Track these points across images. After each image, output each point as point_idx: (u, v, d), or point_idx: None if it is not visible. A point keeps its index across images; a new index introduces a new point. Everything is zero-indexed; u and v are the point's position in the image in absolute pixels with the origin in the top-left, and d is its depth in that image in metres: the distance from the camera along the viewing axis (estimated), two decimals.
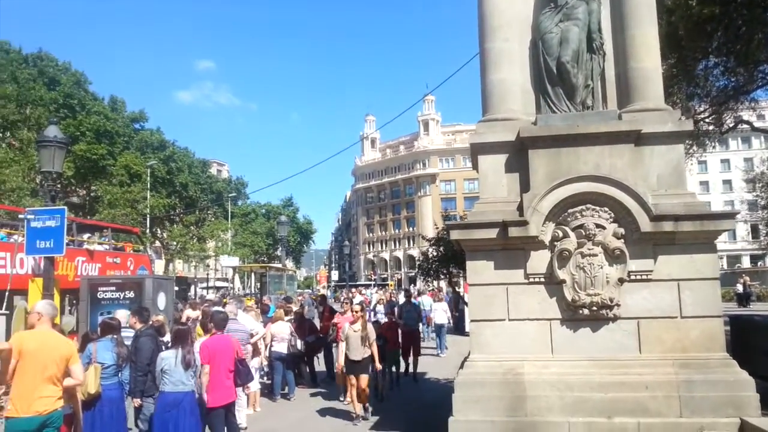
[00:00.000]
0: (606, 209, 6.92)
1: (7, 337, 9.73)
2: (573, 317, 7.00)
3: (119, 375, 6.90)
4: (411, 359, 13.77)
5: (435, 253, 11.51)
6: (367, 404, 9.82)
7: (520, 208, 7.13)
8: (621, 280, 6.89)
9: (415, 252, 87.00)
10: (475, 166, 8.04)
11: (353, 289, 31.66)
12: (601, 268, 6.89)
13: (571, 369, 6.85)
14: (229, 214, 59.71)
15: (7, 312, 12.31)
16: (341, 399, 11.10)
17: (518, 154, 7.42)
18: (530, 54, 7.76)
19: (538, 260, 7.11)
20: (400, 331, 13.00)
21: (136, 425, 7.36)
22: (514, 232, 6.97)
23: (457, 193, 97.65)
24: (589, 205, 6.93)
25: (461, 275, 13.62)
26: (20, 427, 5.05)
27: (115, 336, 7.01)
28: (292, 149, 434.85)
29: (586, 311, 6.90)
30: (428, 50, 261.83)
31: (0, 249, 14.29)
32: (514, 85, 7.67)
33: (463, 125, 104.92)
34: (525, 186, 7.30)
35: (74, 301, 15.11)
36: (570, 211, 6.98)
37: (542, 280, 7.10)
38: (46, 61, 41.63)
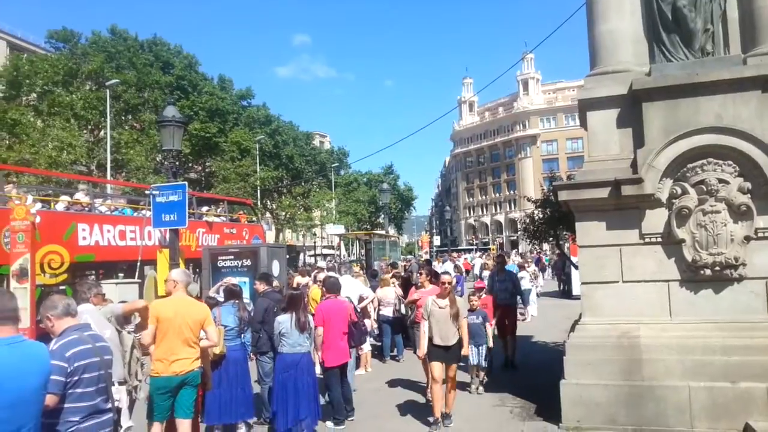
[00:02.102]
0: (730, 162, 6.45)
1: None
2: (693, 278, 6.65)
3: (242, 337, 7.39)
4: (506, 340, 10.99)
5: (541, 215, 11.06)
6: (451, 410, 7.38)
7: (634, 165, 6.80)
8: (747, 238, 6.45)
9: (516, 215, 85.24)
10: (582, 124, 7.74)
11: (445, 253, 30.85)
12: (725, 225, 6.48)
13: (691, 332, 6.55)
14: (333, 183, 61.27)
15: (139, 280, 13.53)
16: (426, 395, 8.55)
17: (630, 108, 7.05)
18: (641, 1, 7.28)
19: (655, 219, 6.79)
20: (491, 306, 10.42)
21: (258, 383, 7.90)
22: (627, 190, 6.68)
23: (560, 154, 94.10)
24: (710, 159, 6.49)
25: (568, 237, 13.01)
26: (161, 384, 5.62)
27: (236, 301, 7.50)
28: (389, 116, 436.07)
29: (708, 272, 6.54)
30: (526, 6, 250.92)
31: (130, 223, 15.64)
32: (624, 35, 7.25)
33: (564, 82, 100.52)
34: (638, 142, 6.94)
35: (197, 270, 16.27)
36: (689, 166, 6.57)
37: (659, 240, 6.78)
38: (160, 45, 44.01)
